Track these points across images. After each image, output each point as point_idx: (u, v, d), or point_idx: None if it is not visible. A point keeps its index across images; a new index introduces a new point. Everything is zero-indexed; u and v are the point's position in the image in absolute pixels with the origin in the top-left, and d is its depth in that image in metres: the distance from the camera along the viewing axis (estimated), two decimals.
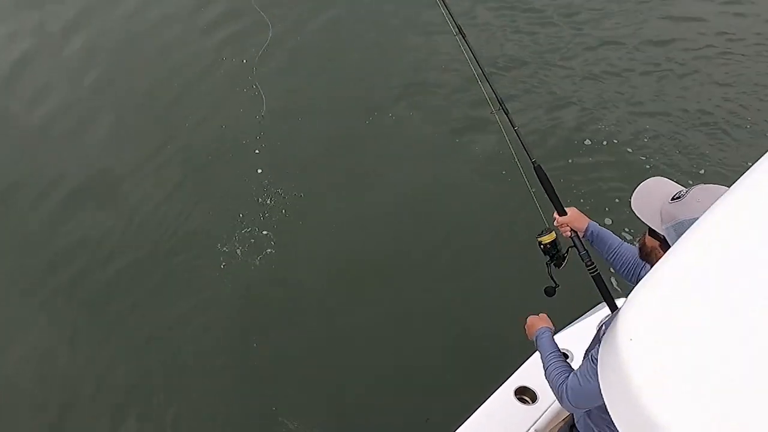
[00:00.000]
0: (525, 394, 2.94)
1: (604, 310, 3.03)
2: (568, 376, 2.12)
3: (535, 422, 2.88)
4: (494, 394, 2.95)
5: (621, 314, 1.11)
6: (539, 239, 2.66)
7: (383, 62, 6.35)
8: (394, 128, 5.77)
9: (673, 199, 1.80)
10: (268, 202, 5.07)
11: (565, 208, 2.63)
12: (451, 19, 2.79)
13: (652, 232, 1.89)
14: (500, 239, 4.88)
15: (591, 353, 2.05)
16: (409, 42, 6.51)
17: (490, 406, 2.92)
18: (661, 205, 1.82)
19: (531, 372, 2.97)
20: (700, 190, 1.77)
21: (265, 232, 4.89)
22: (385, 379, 4.21)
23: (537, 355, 2.87)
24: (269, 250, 4.82)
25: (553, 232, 2.66)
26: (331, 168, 5.42)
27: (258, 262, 4.77)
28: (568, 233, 2.61)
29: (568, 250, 2.66)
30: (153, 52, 6.40)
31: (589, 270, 2.59)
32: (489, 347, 4.19)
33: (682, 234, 1.57)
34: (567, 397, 2.10)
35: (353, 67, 6.29)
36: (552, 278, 2.68)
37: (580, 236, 2.59)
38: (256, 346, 4.41)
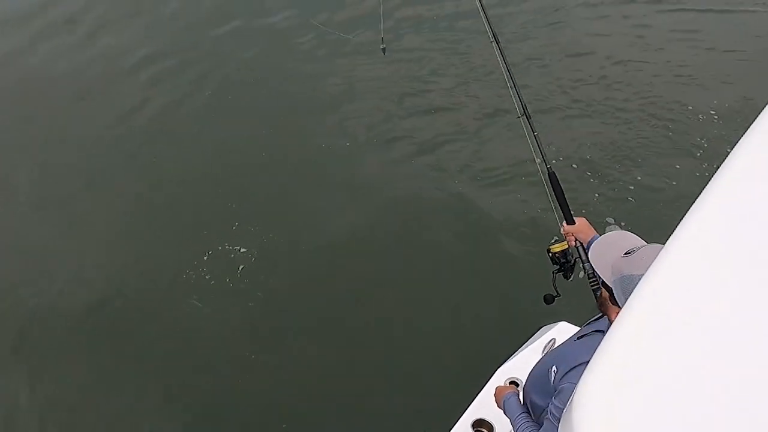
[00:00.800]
0: (482, 427, 2.92)
1: (547, 335, 2.98)
2: None
3: None
4: (452, 429, 2.93)
5: (573, 411, 1.01)
6: (549, 247, 2.63)
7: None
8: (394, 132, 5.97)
9: (625, 254, 1.83)
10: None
11: (575, 218, 2.60)
12: (488, 24, 2.87)
13: (605, 284, 1.91)
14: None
15: (550, 409, 1.98)
16: None
17: None
18: (614, 259, 1.85)
19: (486, 404, 2.92)
20: (648, 249, 1.79)
21: (243, 250, 4.93)
22: (381, 382, 4.18)
23: (489, 386, 2.97)
24: (252, 264, 4.85)
25: (566, 242, 2.62)
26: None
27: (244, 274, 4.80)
28: (573, 243, 2.56)
29: (574, 261, 2.59)
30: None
31: (591, 284, 2.52)
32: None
33: (626, 288, 1.70)
34: None
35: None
36: (554, 287, 2.62)
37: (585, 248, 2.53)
38: (254, 357, 4.37)
